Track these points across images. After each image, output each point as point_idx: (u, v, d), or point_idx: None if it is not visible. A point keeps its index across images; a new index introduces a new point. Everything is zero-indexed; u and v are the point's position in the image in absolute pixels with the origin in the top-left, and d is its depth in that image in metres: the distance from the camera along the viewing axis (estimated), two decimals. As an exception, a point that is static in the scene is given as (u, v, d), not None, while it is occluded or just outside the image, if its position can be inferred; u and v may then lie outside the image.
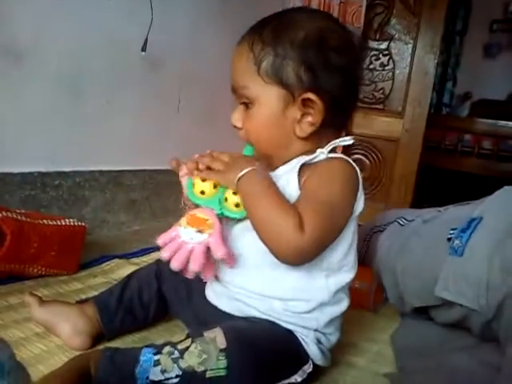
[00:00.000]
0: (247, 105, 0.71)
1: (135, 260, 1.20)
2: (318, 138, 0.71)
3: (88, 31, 1.30)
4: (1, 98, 1.14)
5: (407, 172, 2.05)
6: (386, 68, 2.10)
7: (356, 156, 2.16)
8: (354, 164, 0.70)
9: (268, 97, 0.68)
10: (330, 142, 0.71)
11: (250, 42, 0.68)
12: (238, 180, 0.65)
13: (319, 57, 0.67)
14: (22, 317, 0.83)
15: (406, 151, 2.05)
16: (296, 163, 0.69)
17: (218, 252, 0.64)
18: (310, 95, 0.67)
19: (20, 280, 0.98)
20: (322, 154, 0.69)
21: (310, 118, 0.69)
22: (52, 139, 1.26)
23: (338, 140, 0.72)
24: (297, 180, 0.67)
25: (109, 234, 1.42)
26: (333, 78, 0.68)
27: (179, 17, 1.54)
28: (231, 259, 0.68)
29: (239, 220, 0.69)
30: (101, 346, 0.76)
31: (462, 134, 2.74)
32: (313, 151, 0.70)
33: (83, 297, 0.93)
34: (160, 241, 0.67)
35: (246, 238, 0.69)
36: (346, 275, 0.72)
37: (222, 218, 0.68)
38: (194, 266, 0.64)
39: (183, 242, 0.65)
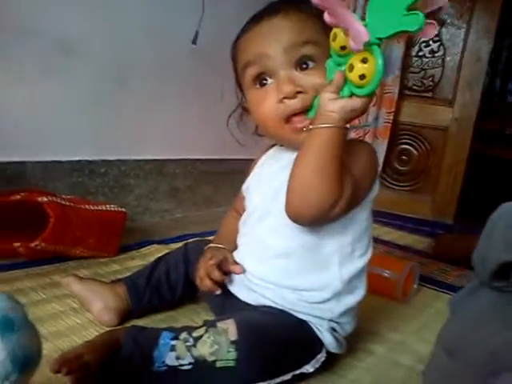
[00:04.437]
0: (307, 65, 0.68)
1: (173, 246, 1.25)
2: None
3: (137, 23, 1.37)
4: (51, 89, 1.22)
5: (456, 162, 1.98)
6: (436, 55, 2.02)
7: (403, 146, 2.11)
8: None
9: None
10: None
11: (305, 10, 0.66)
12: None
13: None
14: (62, 293, 0.90)
15: (455, 141, 1.97)
16: None
17: None
18: None
19: (64, 261, 1.06)
20: None
21: None
22: (99, 129, 1.34)
23: None
24: None
25: (151, 220, 1.50)
26: None
27: (226, 9, 1.58)
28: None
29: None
30: (129, 323, 0.82)
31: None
32: None
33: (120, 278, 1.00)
34: None
35: (263, 224, 0.73)
36: (358, 262, 0.72)
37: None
38: None
39: None
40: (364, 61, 0.55)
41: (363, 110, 0.61)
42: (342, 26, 0.54)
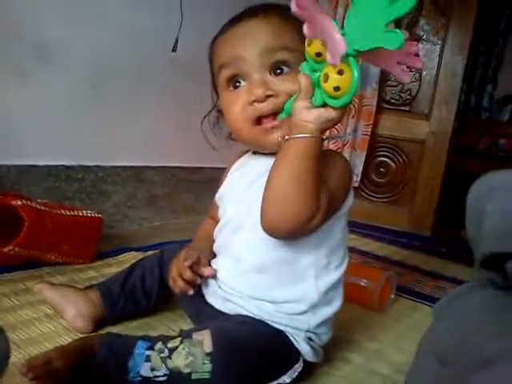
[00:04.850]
0: (282, 70, 0.68)
1: (151, 253, 1.24)
2: None
3: (117, 30, 1.36)
4: (29, 94, 1.20)
5: (432, 176, 2.01)
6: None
7: (381, 158, 2.15)
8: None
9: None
10: None
11: (284, 16, 0.66)
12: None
13: None
14: (36, 299, 0.88)
15: (432, 154, 2.01)
16: None
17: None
18: None
19: (39, 266, 1.04)
20: None
21: None
22: (77, 134, 1.32)
23: None
24: None
25: (129, 228, 1.48)
26: None
27: (205, 15, 1.57)
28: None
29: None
30: (104, 330, 0.80)
31: (496, 139, 2.67)
32: None
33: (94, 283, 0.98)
34: None
35: (237, 237, 0.73)
36: (334, 273, 0.72)
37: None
38: None
39: None
40: (340, 72, 0.53)
41: (339, 120, 0.60)
42: (321, 38, 0.53)
